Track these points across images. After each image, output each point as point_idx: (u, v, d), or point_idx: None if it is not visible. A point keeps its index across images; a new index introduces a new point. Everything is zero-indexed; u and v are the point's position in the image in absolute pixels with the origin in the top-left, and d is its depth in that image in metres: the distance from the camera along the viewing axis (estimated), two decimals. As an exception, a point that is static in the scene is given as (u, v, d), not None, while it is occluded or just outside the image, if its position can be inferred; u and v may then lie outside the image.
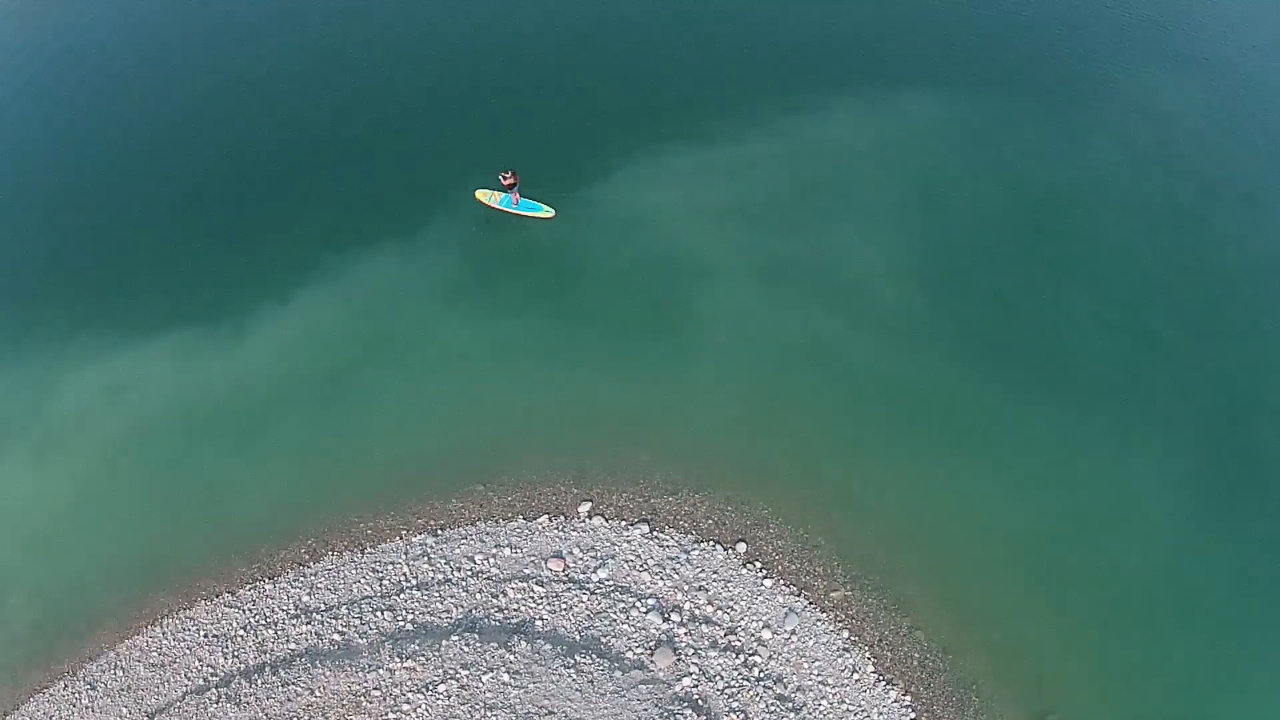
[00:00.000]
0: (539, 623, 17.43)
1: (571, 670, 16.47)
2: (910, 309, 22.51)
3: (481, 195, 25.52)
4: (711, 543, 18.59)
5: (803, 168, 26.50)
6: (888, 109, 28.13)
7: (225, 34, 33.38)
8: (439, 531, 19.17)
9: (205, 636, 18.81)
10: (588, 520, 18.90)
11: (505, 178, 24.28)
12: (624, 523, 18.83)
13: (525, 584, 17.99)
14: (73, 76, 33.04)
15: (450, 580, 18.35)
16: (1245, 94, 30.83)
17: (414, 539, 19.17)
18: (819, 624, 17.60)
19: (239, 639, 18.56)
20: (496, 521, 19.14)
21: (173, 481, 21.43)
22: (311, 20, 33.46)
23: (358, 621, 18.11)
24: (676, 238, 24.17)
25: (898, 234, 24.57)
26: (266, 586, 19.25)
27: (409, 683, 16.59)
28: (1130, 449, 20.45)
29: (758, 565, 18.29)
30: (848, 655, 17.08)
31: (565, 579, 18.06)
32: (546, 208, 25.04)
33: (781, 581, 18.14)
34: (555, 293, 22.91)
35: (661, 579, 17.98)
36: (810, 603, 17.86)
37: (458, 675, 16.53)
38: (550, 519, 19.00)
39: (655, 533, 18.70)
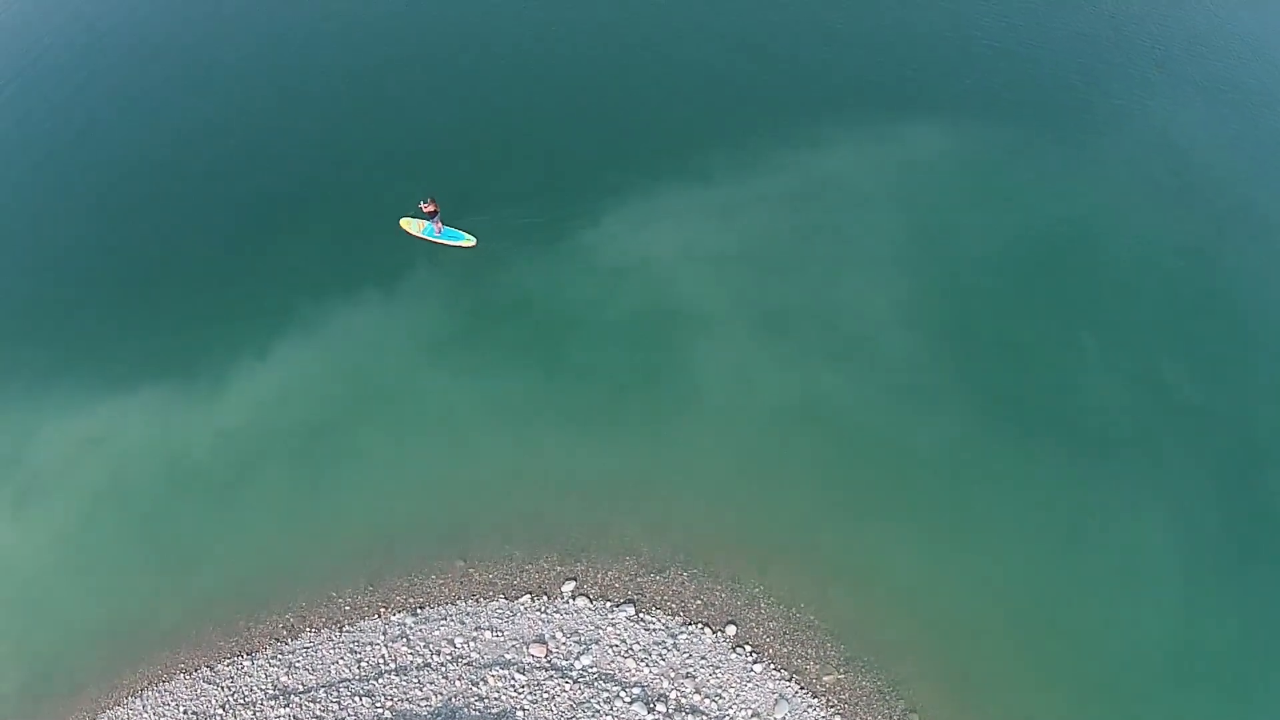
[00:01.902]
0: (520, 713, 16.77)
1: (552, 768, 15.82)
2: (911, 362, 21.58)
3: (406, 224, 24.93)
4: (700, 625, 17.86)
5: (796, 205, 25.56)
6: (887, 140, 27.07)
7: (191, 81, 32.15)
8: (418, 610, 18.49)
9: (185, 714, 18.28)
10: (571, 601, 18.18)
11: (425, 205, 23.69)
12: (609, 604, 18.10)
13: (506, 671, 17.31)
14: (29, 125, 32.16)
15: (430, 665, 17.69)
16: (1260, 119, 29.61)
17: (393, 618, 18.51)
18: (811, 710, 16.89)
19: (218, 719, 18.03)
20: (477, 600, 18.45)
21: (150, 542, 20.89)
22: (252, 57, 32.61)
23: (336, 707, 17.51)
24: (662, 284, 23.29)
25: (897, 276, 23.61)
26: (245, 663, 18.68)
27: (386, 780, 16.00)
28: (1141, 513, 19.60)
29: (748, 649, 17.55)
30: (840, 747, 16.36)
31: (548, 665, 17.36)
32: (468, 236, 24.44)
33: (772, 665, 17.40)
34: (534, 347, 22.06)
35: (647, 665, 17.26)
36: (802, 688, 17.14)
37: (436, 773, 15.91)
38: (533, 599, 18.30)
39: (641, 614, 17.97)
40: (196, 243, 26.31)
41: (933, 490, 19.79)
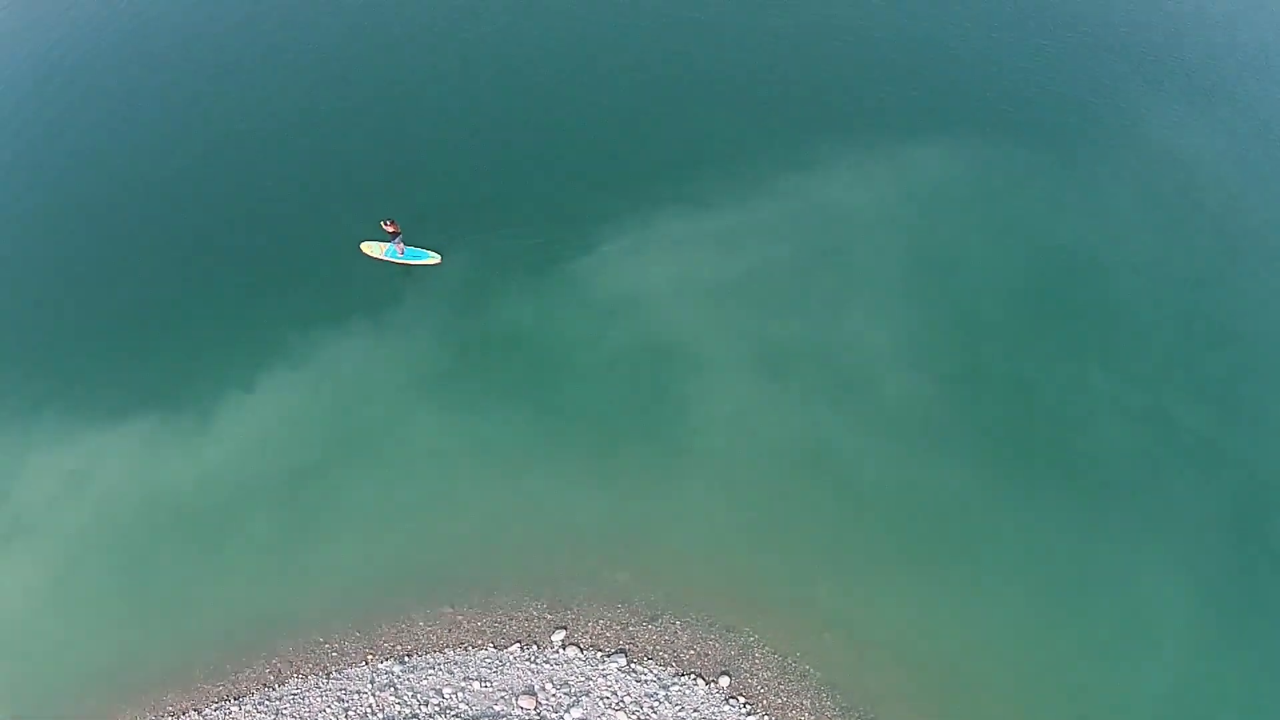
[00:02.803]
0: (509, 769, 16.41)
1: (539, 831, 15.46)
2: (911, 402, 21.01)
3: (367, 248, 24.42)
4: (693, 675, 17.47)
5: (792, 233, 24.99)
6: (887, 163, 26.46)
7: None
8: (406, 658, 18.13)
9: (171, 759, 18.06)
10: (562, 650, 17.80)
11: (386, 226, 23.22)
12: (600, 653, 17.70)
13: (495, 724, 16.94)
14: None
15: (417, 715, 17.35)
16: (1270, 137, 28.88)
17: (380, 665, 18.16)
18: (806, 765, 16.48)
19: (206, 769, 17.77)
20: (466, 649, 18.07)
21: (135, 583, 20.54)
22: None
23: (322, 758, 17.19)
24: (653, 316, 22.77)
25: (896, 310, 22.99)
26: (232, 708, 18.37)
27: (369, 841, 15.66)
28: (1149, 559, 19.11)
29: (741, 700, 17.17)
30: (835, 809, 15.96)
31: (537, 718, 16.97)
32: (432, 254, 23.95)
33: (767, 717, 16.98)
34: (521, 383, 21.52)
35: (639, 719, 16.85)
36: (797, 741, 16.72)
37: (420, 834, 15.56)
38: (522, 648, 17.91)
39: (633, 665, 17.59)
40: (156, 276, 25.77)
41: (932, 537, 19.28)
